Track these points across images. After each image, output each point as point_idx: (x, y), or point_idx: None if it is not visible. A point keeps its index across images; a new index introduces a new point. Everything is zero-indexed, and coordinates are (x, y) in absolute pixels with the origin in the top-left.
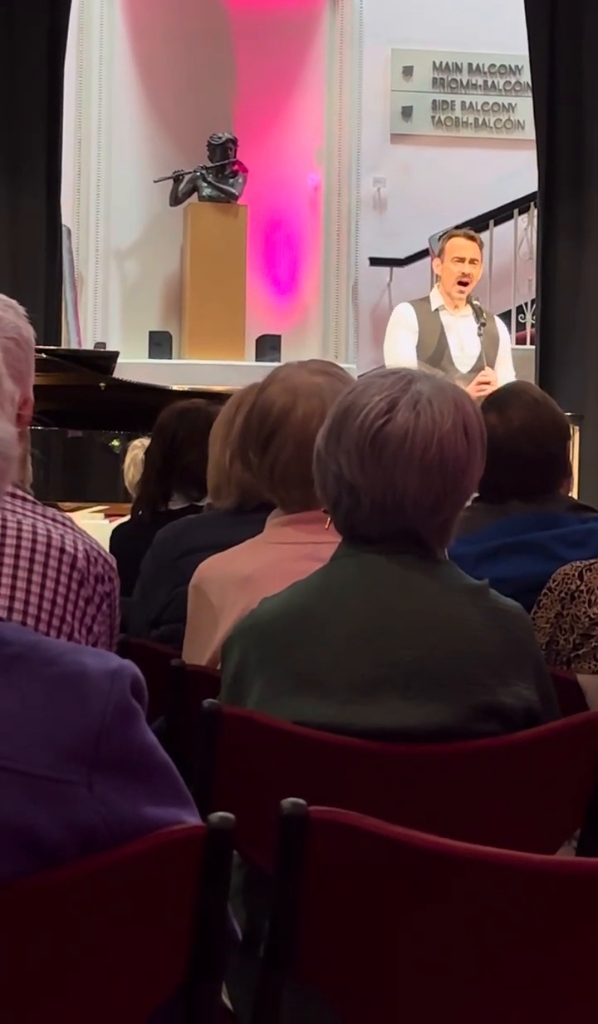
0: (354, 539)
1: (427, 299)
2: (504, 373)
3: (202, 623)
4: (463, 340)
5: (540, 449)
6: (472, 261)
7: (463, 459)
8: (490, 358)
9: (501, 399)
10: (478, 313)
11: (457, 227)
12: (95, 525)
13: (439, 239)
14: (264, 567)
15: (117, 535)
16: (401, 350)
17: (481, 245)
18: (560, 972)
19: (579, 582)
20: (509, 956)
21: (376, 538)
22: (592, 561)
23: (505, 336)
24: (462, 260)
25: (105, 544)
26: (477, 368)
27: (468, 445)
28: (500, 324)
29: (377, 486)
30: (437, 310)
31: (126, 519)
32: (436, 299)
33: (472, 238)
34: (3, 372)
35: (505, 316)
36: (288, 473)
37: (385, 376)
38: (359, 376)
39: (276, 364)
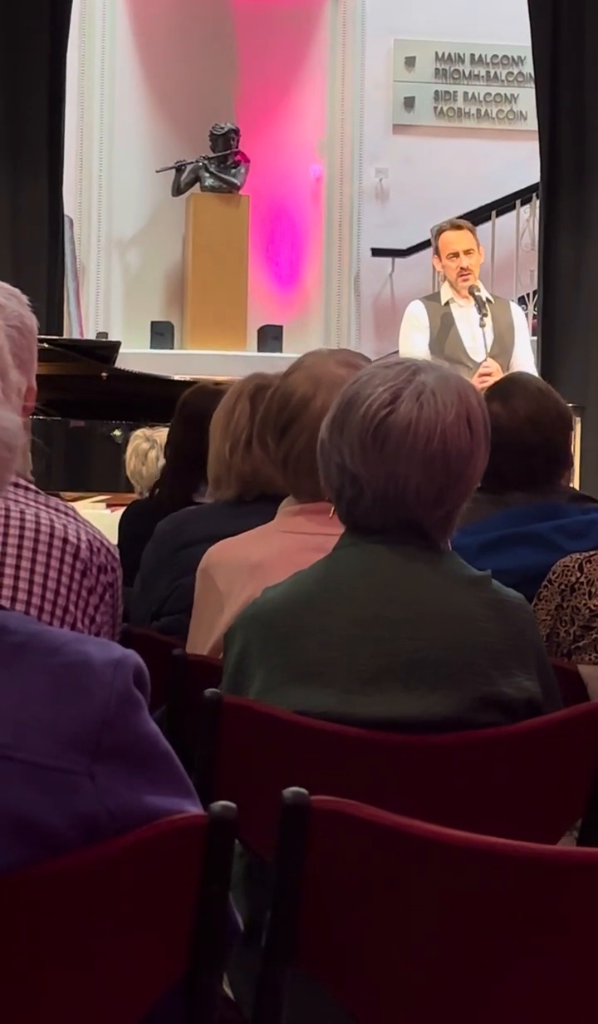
0: (356, 529)
1: (438, 294)
2: (523, 360)
3: (207, 607)
4: (475, 331)
5: (545, 439)
6: (467, 252)
7: (466, 451)
8: (506, 346)
9: (505, 389)
10: (480, 305)
11: (459, 217)
12: (97, 515)
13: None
14: (273, 556)
15: (128, 515)
16: (415, 350)
17: (472, 230)
18: (561, 961)
19: (579, 574)
20: (510, 945)
21: (378, 529)
22: (592, 553)
23: (521, 322)
24: (456, 255)
25: (108, 533)
26: (492, 356)
27: (471, 437)
28: (516, 310)
29: (379, 477)
30: (448, 303)
31: (143, 498)
32: (446, 293)
33: (459, 227)
34: (10, 363)
35: None
36: (302, 462)
37: (389, 367)
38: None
39: (277, 355)
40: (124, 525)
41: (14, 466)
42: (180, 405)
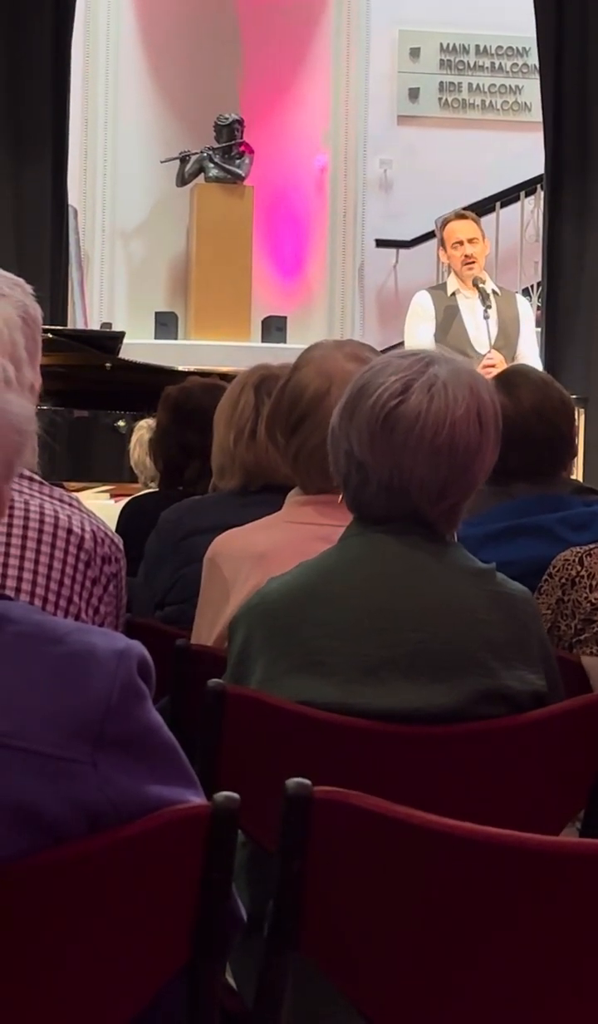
0: (362, 518)
1: (444, 285)
2: (527, 352)
3: (213, 596)
4: (479, 323)
5: (551, 428)
6: (471, 240)
7: (474, 445)
8: (510, 338)
9: (508, 380)
10: (484, 297)
11: (463, 209)
12: (101, 505)
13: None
14: (279, 545)
15: (127, 511)
16: (420, 340)
17: (477, 220)
18: (562, 951)
19: (579, 567)
20: (511, 935)
21: (383, 518)
22: (592, 546)
23: (528, 315)
24: (460, 243)
25: (111, 523)
26: (497, 348)
27: (480, 431)
28: (522, 303)
29: (385, 467)
30: (454, 294)
31: (140, 494)
32: (452, 284)
33: (464, 216)
34: (24, 358)
35: None
36: (314, 458)
37: (404, 356)
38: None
39: (281, 345)
40: (122, 521)
41: (25, 452)
42: (163, 399)
